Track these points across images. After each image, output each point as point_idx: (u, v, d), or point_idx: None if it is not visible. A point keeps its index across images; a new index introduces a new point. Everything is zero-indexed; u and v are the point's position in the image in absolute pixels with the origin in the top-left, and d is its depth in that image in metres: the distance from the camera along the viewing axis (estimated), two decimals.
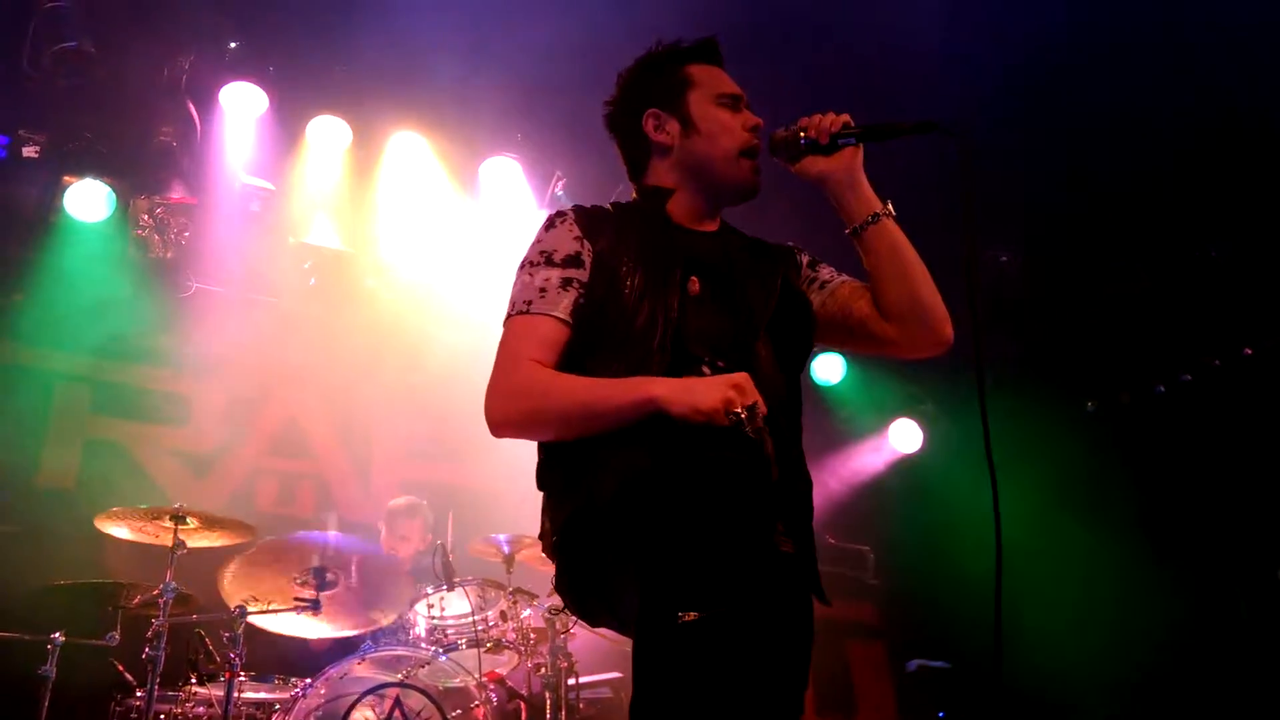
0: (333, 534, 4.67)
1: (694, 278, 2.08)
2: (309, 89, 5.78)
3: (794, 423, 2.13)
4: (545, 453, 2.09)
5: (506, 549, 4.73)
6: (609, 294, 2.05)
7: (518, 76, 5.37)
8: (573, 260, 2.08)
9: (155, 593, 4.28)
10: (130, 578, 4.47)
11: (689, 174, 2.28)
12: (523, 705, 4.60)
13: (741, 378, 1.88)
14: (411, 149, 5.95)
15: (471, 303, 5.85)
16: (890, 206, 2.23)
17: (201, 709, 4.44)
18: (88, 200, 5.59)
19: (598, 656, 4.85)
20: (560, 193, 5.98)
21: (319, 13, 5.49)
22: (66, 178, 5.63)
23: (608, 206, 2.28)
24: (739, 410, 1.82)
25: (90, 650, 4.41)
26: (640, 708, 1.77)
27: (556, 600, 4.35)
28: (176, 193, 5.79)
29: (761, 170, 2.27)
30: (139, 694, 4.43)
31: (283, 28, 5.59)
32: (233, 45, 5.67)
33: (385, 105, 5.84)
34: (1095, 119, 5.61)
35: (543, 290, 2.05)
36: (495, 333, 2.06)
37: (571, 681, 4.47)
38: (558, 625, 4.43)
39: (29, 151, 5.61)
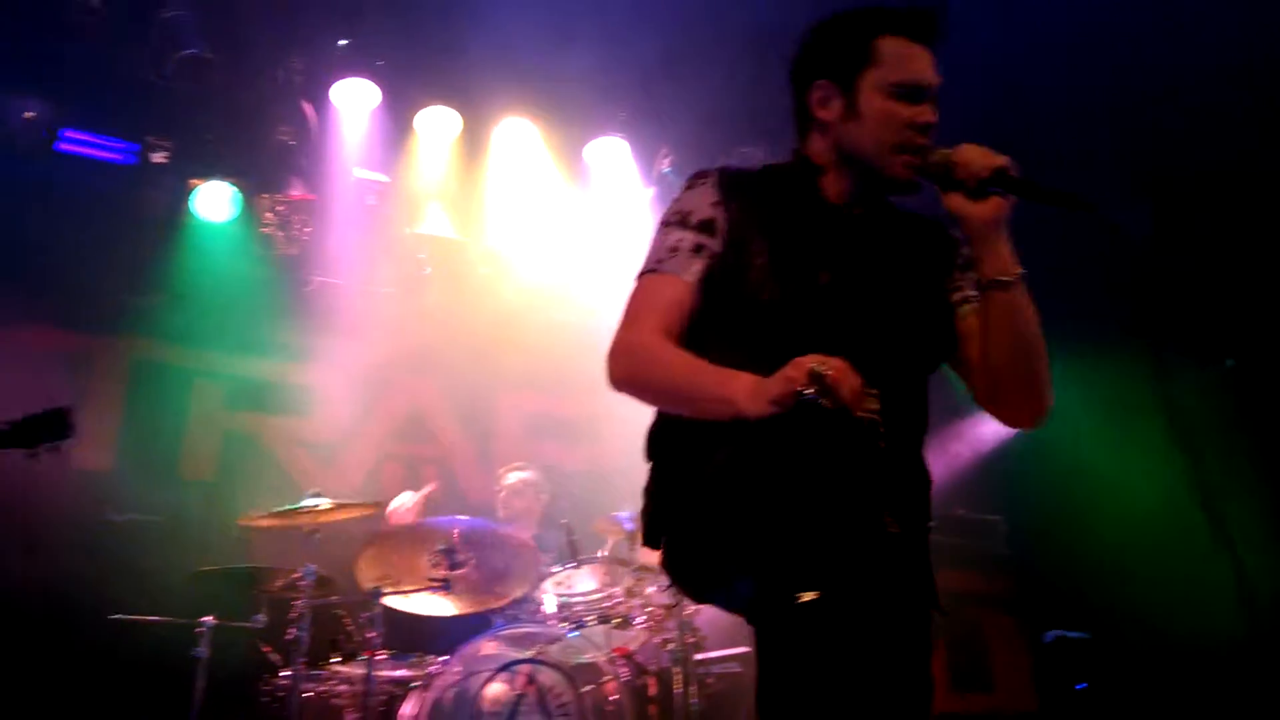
0: (461, 518, 4.75)
1: (825, 271, 1.99)
2: (417, 81, 5.88)
3: (915, 423, 2.05)
4: (656, 422, 2.08)
5: (629, 526, 4.75)
6: (737, 270, 1.99)
7: (620, 55, 5.36)
8: (706, 226, 2.04)
9: (296, 576, 4.44)
10: (271, 562, 4.65)
11: (842, 158, 2.12)
12: (651, 680, 4.62)
13: (802, 360, 1.77)
14: (518, 134, 6.00)
15: (584, 282, 5.89)
16: (1020, 270, 2.01)
17: (344, 687, 4.59)
18: (215, 201, 5.82)
19: (725, 631, 4.84)
20: (668, 169, 5.96)
21: (423, 5, 5.57)
22: (193, 180, 5.86)
23: (758, 169, 2.19)
24: (803, 389, 1.73)
25: (238, 632, 4.62)
26: (767, 688, 1.76)
27: None
28: (297, 190, 5.98)
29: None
30: (285, 673, 4.61)
31: (389, 22, 5.69)
32: (342, 43, 5.79)
33: (491, 92, 5.90)
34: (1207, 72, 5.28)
35: (674, 250, 2.03)
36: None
37: (699, 656, 4.46)
38: (684, 601, 4.43)
39: (158, 157, 5.85)
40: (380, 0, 5.65)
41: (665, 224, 2.08)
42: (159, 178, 5.86)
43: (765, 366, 1.82)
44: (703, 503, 1.92)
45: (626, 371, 1.98)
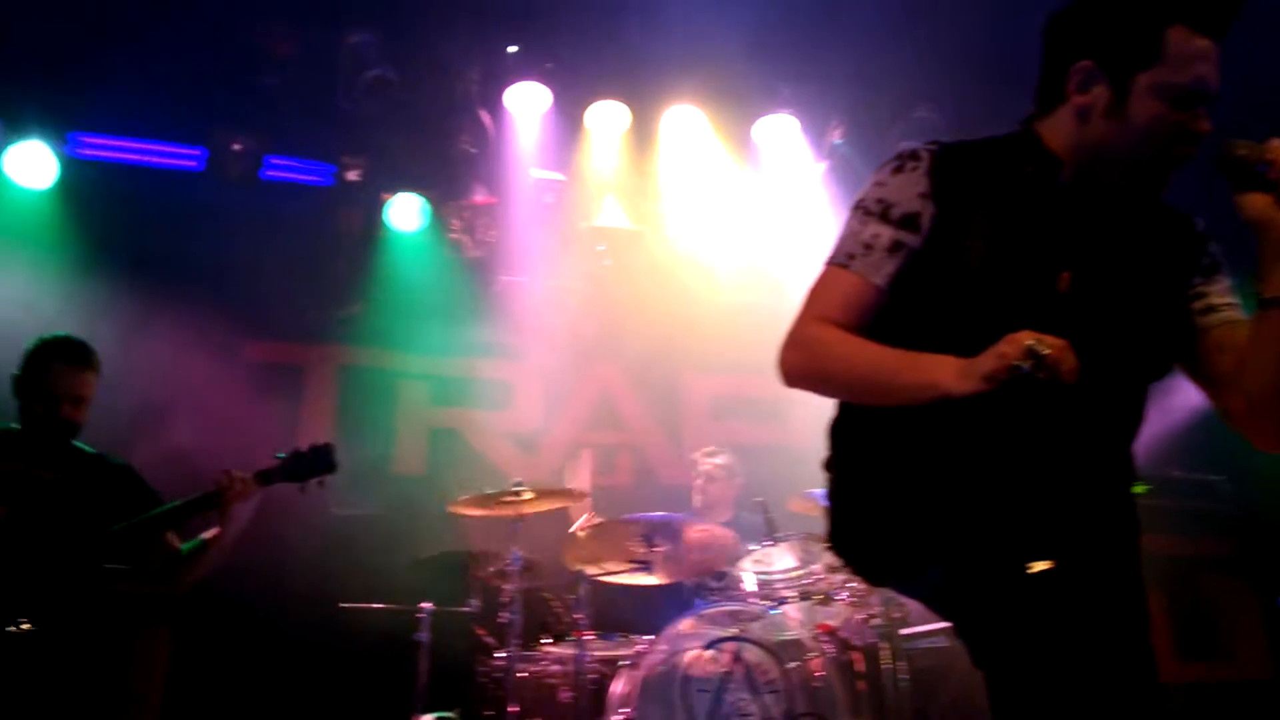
0: (657, 514, 4.84)
1: (1066, 273, 1.81)
2: (584, 79, 6.01)
3: (1129, 424, 1.93)
4: (839, 411, 2.01)
5: (824, 502, 4.72)
6: (946, 270, 1.82)
7: (779, 26, 5.30)
8: (909, 221, 1.85)
9: (505, 562, 4.65)
10: (481, 549, 4.89)
11: (1088, 154, 1.86)
12: (857, 656, 4.59)
13: (1018, 335, 1.66)
14: (686, 121, 6.05)
15: (762, 263, 5.90)
16: None
17: (557, 666, 4.78)
18: (405, 212, 6.14)
19: None
20: (839, 140, 5.88)
21: (587, 6, 5.69)
22: (385, 194, 6.20)
23: (978, 144, 1.95)
24: (1019, 363, 1.63)
25: (455, 616, 4.88)
26: (1013, 664, 1.72)
27: None
28: (479, 195, 6.23)
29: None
30: (501, 654, 4.84)
31: (555, 26, 5.84)
32: (512, 50, 5.99)
33: (656, 82, 5.97)
34: None
35: (868, 247, 1.87)
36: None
37: (905, 631, 4.41)
38: None
39: (352, 176, 6.21)
40: (546, 5, 5.81)
41: (864, 210, 1.90)
42: (354, 195, 6.21)
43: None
44: (891, 483, 1.86)
45: (801, 365, 1.91)
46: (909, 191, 1.87)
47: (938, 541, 1.80)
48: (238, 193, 5.87)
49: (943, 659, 4.73)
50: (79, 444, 3.61)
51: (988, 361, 1.67)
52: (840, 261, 1.91)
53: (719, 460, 5.52)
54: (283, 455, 3.54)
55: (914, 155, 1.90)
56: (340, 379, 6.25)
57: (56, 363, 3.50)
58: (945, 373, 1.72)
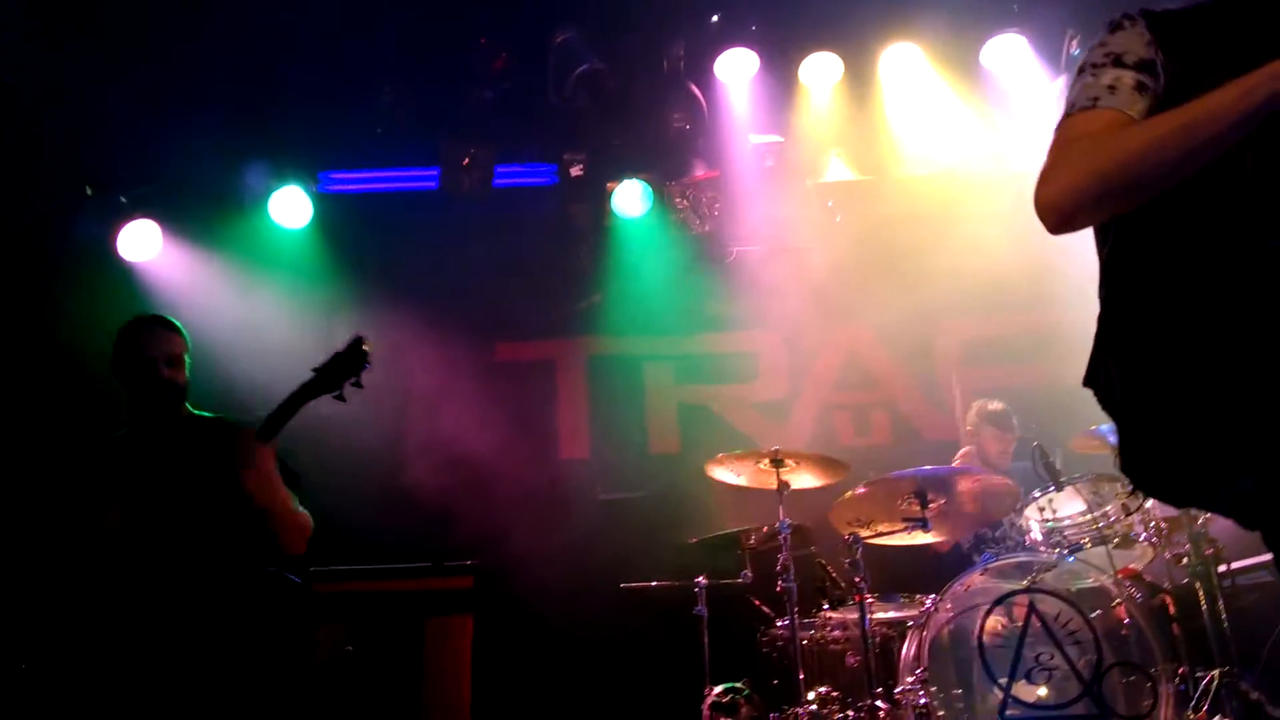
0: (927, 467, 4.66)
1: None
2: (791, 35, 5.86)
3: None
4: (1110, 298, 1.79)
5: (1113, 439, 4.38)
6: None
7: None
8: (1146, 66, 1.71)
9: (772, 530, 4.61)
10: (746, 522, 4.87)
11: None
12: (1167, 599, 4.25)
13: None
14: (904, 59, 5.78)
15: (1002, 195, 5.55)
16: None
17: (838, 632, 4.70)
18: (630, 199, 6.20)
19: (1246, 538, 4.31)
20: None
21: None
22: (609, 184, 6.29)
23: (1194, 6, 1.80)
24: None
25: (730, 589, 4.90)
26: None
27: None
28: (700, 170, 6.21)
29: None
30: (779, 624, 4.81)
31: None
32: (714, 19, 5.92)
33: (867, 25, 5.75)
34: None
35: (1112, 88, 1.70)
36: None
37: (1222, 569, 4.03)
38: (1192, 511, 4.02)
39: (575, 171, 6.35)
40: None
41: (1093, 66, 1.75)
42: (580, 189, 6.35)
43: (1238, 234, 1.54)
44: (1191, 371, 1.62)
45: (1066, 187, 1.65)
46: (1137, 42, 1.75)
47: (1251, 439, 1.58)
48: (472, 204, 6.12)
49: (1269, 595, 4.30)
50: (193, 409, 3.48)
51: None
52: (1085, 105, 1.72)
53: (990, 408, 5.24)
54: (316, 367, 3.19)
55: (1129, 17, 1.79)
56: (589, 369, 6.42)
57: (144, 331, 3.41)
58: (1259, 77, 1.52)
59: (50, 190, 5.83)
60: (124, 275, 5.91)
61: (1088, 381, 1.84)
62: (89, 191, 5.88)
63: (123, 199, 5.91)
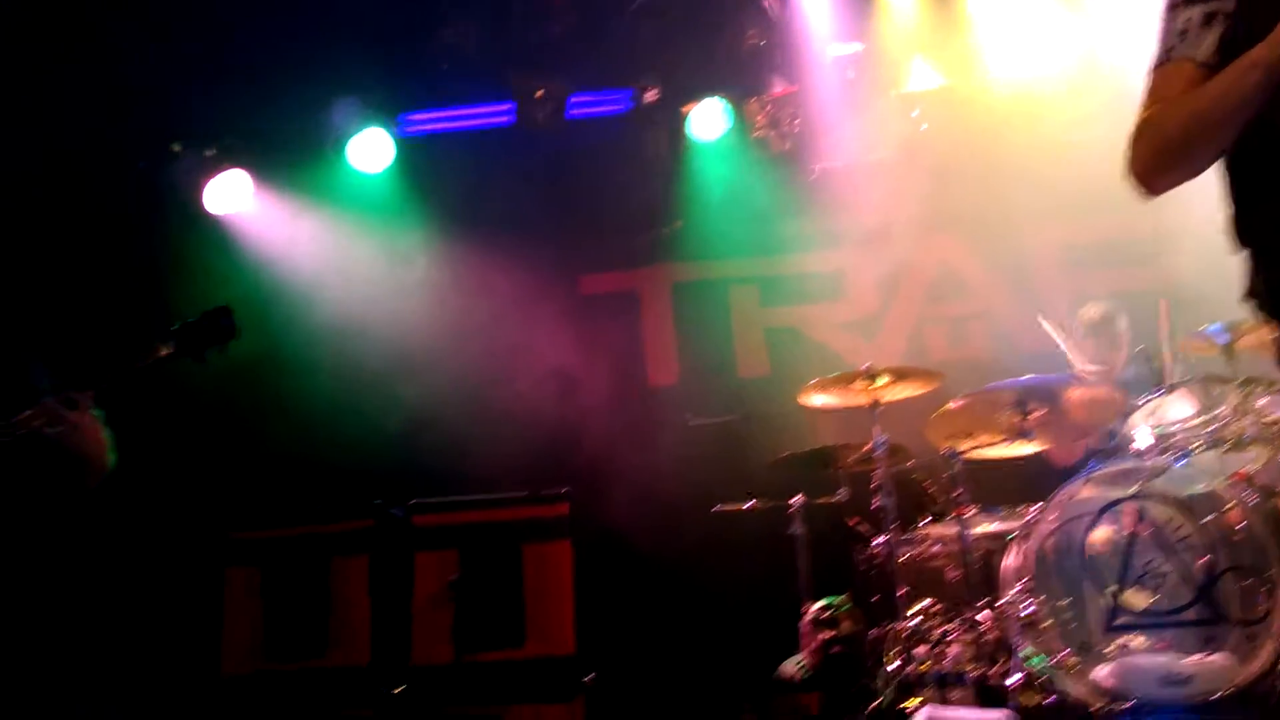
0: (1026, 377, 4.53)
1: None
2: None
3: None
4: (1237, 200, 1.86)
5: (1223, 339, 4.20)
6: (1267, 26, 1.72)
7: None
8: None
9: (868, 448, 4.55)
10: (841, 439, 4.82)
11: None
12: None
13: None
14: None
15: (1098, 93, 5.29)
16: None
17: (938, 547, 4.64)
18: (707, 121, 6.08)
19: None
20: None
21: None
22: (684, 108, 6.17)
23: None
24: None
25: (825, 508, 4.88)
26: None
27: None
28: (778, 86, 6.05)
29: None
30: (879, 540, 4.77)
31: None
32: None
33: None
34: None
35: (1183, 33, 1.84)
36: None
37: None
38: None
39: (650, 97, 6.25)
40: None
41: (1170, 6, 1.89)
42: (655, 115, 6.25)
43: None
44: None
45: (1145, 152, 1.84)
46: None
47: None
48: (548, 137, 6.09)
49: None
50: None
51: None
52: (1160, 61, 1.89)
53: (1094, 314, 5.04)
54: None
55: None
56: (674, 297, 6.39)
57: None
58: (1258, 50, 1.68)
59: (139, 149, 5.97)
60: (214, 227, 6.05)
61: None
62: (176, 148, 6.01)
63: (209, 152, 6.02)
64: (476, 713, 4.30)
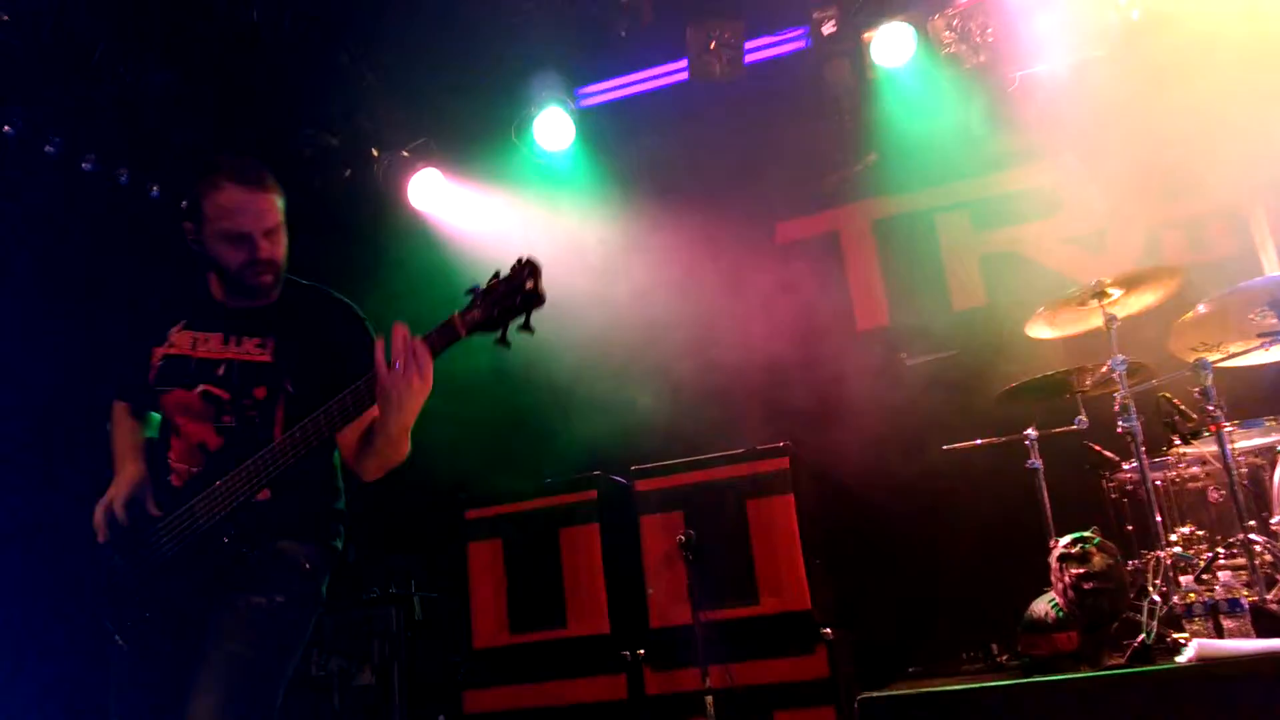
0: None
1: None
2: None
3: None
4: None
5: None
6: None
7: None
8: None
9: (1105, 370, 4.23)
10: (1074, 363, 4.50)
11: None
12: None
13: None
14: None
15: None
16: None
17: (1196, 468, 4.29)
18: (891, 45, 5.74)
19: None
20: None
21: None
22: (865, 35, 5.86)
23: None
24: None
25: (1065, 438, 4.57)
26: None
27: None
28: None
29: None
30: (1126, 466, 4.45)
31: None
32: None
33: None
34: None
35: None
36: None
37: None
38: None
39: (827, 29, 5.95)
40: None
41: None
42: (835, 46, 5.98)
43: None
44: None
45: None
46: None
47: None
48: (727, 87, 5.95)
49: None
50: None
51: None
52: None
53: None
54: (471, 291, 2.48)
55: None
56: (877, 234, 6.14)
57: (235, 189, 2.66)
58: None
59: (343, 159, 6.31)
60: (420, 223, 6.32)
61: None
62: (375, 153, 6.31)
63: (405, 153, 6.29)
64: (717, 671, 4.32)
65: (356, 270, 6.19)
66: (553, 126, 6.10)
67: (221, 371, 2.69)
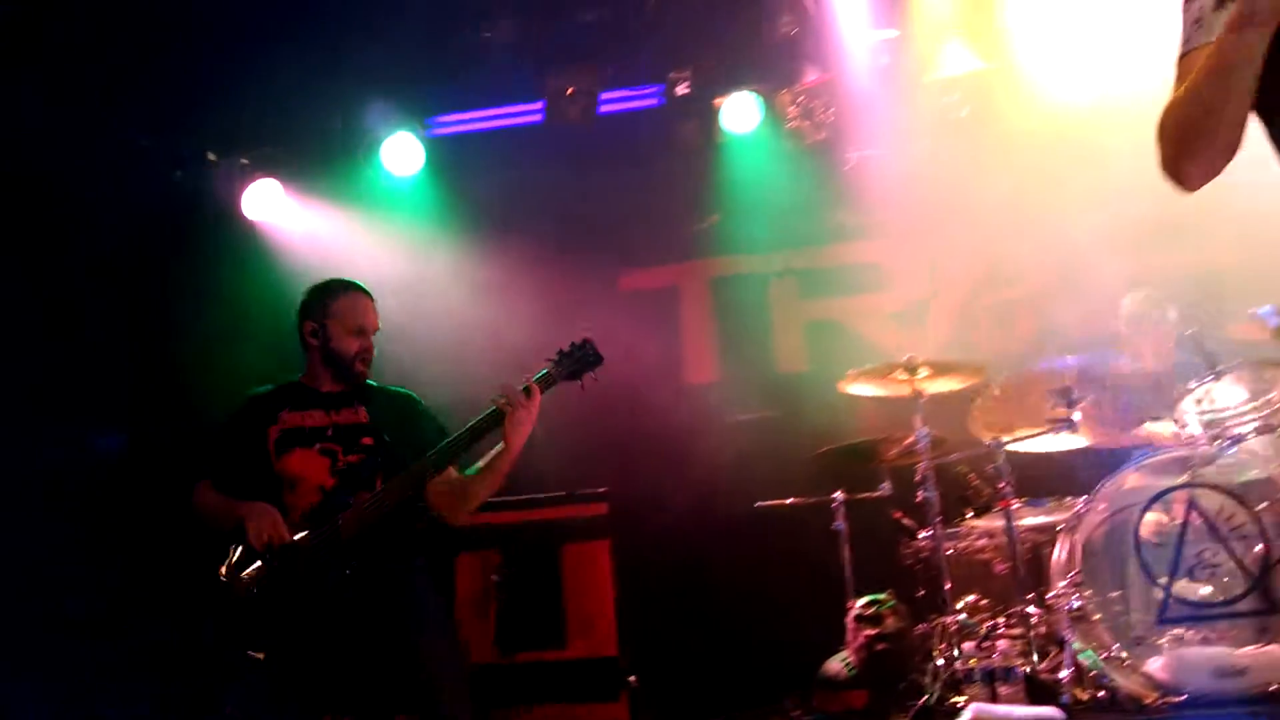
0: (1071, 358, 4.43)
1: None
2: None
3: None
4: None
5: (1273, 321, 4.07)
6: None
7: None
8: None
9: (910, 441, 4.49)
10: (883, 433, 4.75)
11: None
12: None
13: None
14: None
15: (1141, 68, 5.14)
16: None
17: (984, 541, 4.58)
18: (739, 113, 5.99)
19: None
20: None
21: None
22: (716, 100, 6.10)
23: None
24: None
25: (868, 503, 4.81)
26: None
27: None
28: (811, 76, 5.95)
29: None
30: (922, 535, 4.71)
31: None
32: None
33: None
34: None
35: (1197, 22, 1.79)
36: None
37: None
38: None
39: (681, 89, 6.17)
40: None
41: (1185, 1, 1.84)
42: (687, 108, 6.17)
43: None
44: None
45: (1164, 140, 1.74)
46: None
47: None
48: (580, 134, 6.04)
49: None
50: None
51: None
52: (1181, 53, 1.83)
53: (1141, 301, 4.91)
54: (554, 358, 3.40)
55: None
56: (713, 292, 6.35)
57: (359, 298, 3.49)
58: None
59: (175, 160, 6.06)
60: (251, 235, 6.11)
61: None
62: (211, 158, 6.08)
63: (244, 161, 6.09)
64: (520, 713, 4.30)
65: (183, 271, 5.97)
66: (402, 151, 6.04)
67: (330, 433, 3.38)
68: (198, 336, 5.80)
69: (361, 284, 3.55)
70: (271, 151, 6.11)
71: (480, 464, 3.31)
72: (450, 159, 6.20)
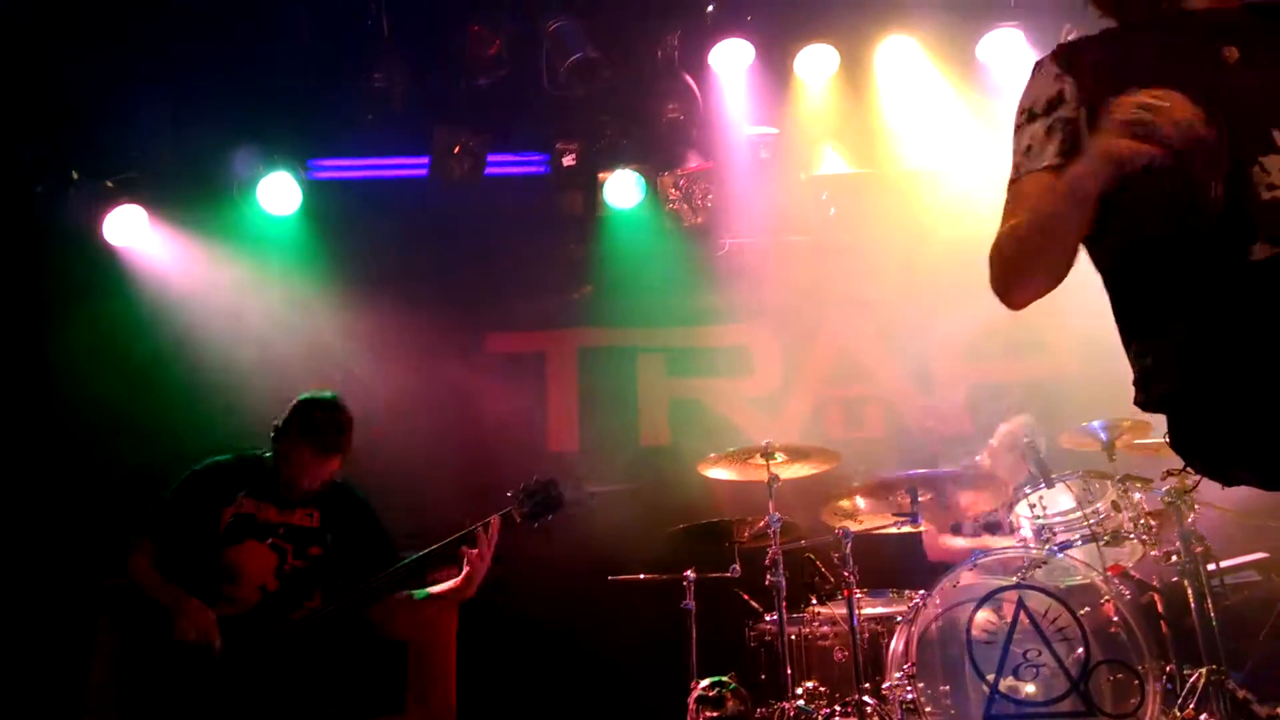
0: (918, 471, 4.61)
1: (1229, 46, 1.81)
2: (787, 26, 5.80)
3: None
4: (1117, 296, 1.93)
5: (1104, 435, 4.38)
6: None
7: None
8: (1053, 103, 1.90)
9: (762, 524, 4.59)
10: (737, 515, 4.85)
11: None
12: (1156, 597, 4.25)
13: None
14: (900, 52, 5.73)
15: (1000, 187, 5.51)
16: None
17: (826, 627, 4.69)
18: (622, 189, 6.14)
19: (1234, 537, 4.33)
20: None
21: None
22: (601, 174, 6.23)
23: (1112, 27, 2.02)
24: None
25: (719, 583, 4.88)
26: None
27: (1174, 483, 3.94)
28: (693, 162, 6.15)
29: None
30: (768, 618, 4.80)
31: None
32: (710, 9, 5.86)
33: (864, 17, 5.70)
34: None
35: (1029, 149, 1.91)
36: None
37: (1211, 567, 4.02)
38: (1182, 509, 4.01)
39: (568, 160, 6.28)
40: None
41: (1017, 128, 1.97)
42: (572, 179, 6.28)
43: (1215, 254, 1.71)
44: (1219, 358, 1.72)
45: (996, 271, 1.88)
46: (1044, 83, 1.92)
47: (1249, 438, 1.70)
48: (463, 192, 6.05)
49: (1256, 594, 4.31)
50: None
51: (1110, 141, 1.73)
52: (1012, 179, 1.94)
53: (1022, 439, 4.90)
54: (517, 494, 3.69)
55: (1038, 62, 1.98)
56: (581, 360, 6.39)
57: (341, 428, 3.61)
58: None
59: (37, 174, 5.77)
60: (110, 259, 5.86)
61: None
62: (75, 175, 5.82)
63: (109, 183, 5.85)
64: None
65: (38, 288, 5.67)
66: (279, 190, 5.91)
67: (282, 531, 3.52)
68: (52, 356, 5.53)
69: (338, 445, 3.57)
70: (139, 177, 5.88)
71: (433, 590, 3.53)
72: (329, 204, 6.11)
